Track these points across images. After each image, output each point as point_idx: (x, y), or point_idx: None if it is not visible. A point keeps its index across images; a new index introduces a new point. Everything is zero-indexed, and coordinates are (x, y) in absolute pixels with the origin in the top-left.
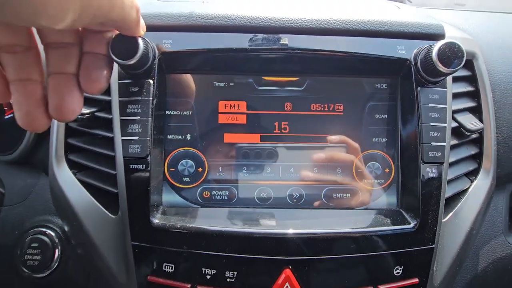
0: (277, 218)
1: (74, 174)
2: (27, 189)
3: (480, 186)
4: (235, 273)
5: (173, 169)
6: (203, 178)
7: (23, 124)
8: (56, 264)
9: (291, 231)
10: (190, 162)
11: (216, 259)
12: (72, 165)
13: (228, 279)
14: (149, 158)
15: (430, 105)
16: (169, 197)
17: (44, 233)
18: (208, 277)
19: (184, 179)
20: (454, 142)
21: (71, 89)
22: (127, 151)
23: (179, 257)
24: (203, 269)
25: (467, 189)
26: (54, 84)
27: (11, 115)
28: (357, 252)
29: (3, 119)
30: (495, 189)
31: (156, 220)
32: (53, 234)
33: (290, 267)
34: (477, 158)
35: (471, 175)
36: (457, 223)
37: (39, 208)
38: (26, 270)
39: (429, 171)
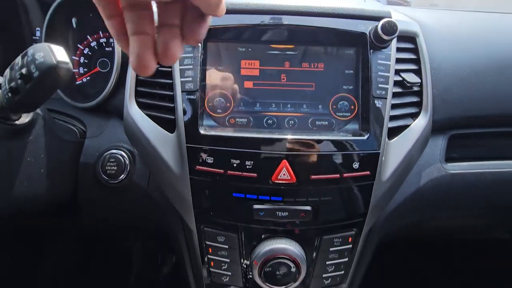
0: (279, 131)
1: (142, 110)
2: (102, 126)
3: (419, 123)
4: (252, 162)
5: (210, 104)
6: (230, 110)
7: (137, 67)
8: (127, 173)
9: (287, 136)
10: (222, 99)
11: (239, 154)
12: (140, 105)
13: (247, 167)
14: (197, 92)
15: (378, 61)
16: (208, 122)
17: (117, 154)
18: (235, 165)
19: (218, 110)
20: (399, 90)
21: (176, 38)
22: (184, 87)
23: (216, 153)
24: (231, 160)
25: (410, 125)
26: (163, 34)
27: (81, 82)
28: (331, 151)
29: (75, 85)
30: (437, 133)
31: (202, 131)
32: (124, 154)
33: (287, 159)
34: (419, 105)
35: (415, 117)
36: (400, 143)
37: (112, 139)
38: (106, 177)
39: (376, 103)
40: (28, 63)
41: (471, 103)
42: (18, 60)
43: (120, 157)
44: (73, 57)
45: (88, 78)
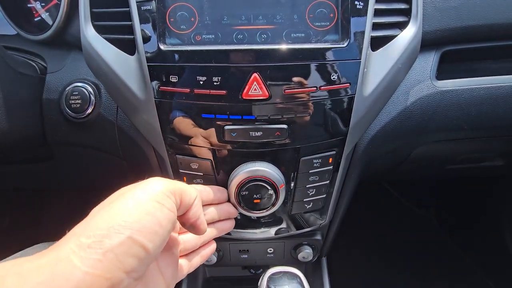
0: (248, 43)
1: (100, 34)
2: (63, 60)
3: (407, 34)
4: (219, 78)
5: (172, 19)
6: (194, 26)
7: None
8: (93, 107)
9: (256, 46)
10: (185, 13)
11: (205, 69)
12: (98, 28)
13: (215, 83)
14: (156, 5)
15: None
16: (171, 40)
17: (81, 86)
18: (201, 82)
19: (181, 26)
20: None
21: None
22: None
23: (180, 70)
24: (197, 77)
25: (396, 35)
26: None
27: (39, 17)
28: (306, 61)
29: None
30: (428, 48)
31: (162, 47)
32: (88, 87)
33: (257, 71)
34: (407, 13)
35: (402, 27)
36: (384, 55)
37: (75, 73)
38: (71, 112)
39: (358, 5)
40: None
41: (467, 10)
42: None
43: (84, 90)
44: None
45: (47, 13)
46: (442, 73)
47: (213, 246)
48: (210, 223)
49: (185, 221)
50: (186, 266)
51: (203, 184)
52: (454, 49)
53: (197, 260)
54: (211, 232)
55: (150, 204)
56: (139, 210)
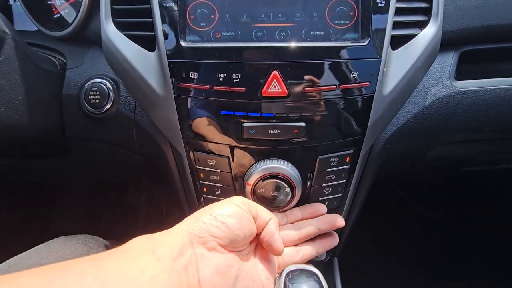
0: (269, 40)
1: (120, 31)
2: (83, 56)
3: (427, 33)
4: (239, 74)
5: (192, 16)
6: (214, 23)
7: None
8: (111, 103)
9: (277, 43)
10: (205, 10)
11: (225, 66)
12: (118, 25)
13: (234, 80)
14: (177, 3)
15: None
16: (190, 37)
17: (100, 82)
18: (221, 79)
19: (201, 23)
20: None
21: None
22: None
23: (200, 67)
24: (217, 74)
25: (416, 35)
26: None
27: (58, 14)
28: (326, 59)
29: (53, 19)
30: (447, 48)
31: (183, 43)
32: (106, 83)
33: (277, 69)
34: (427, 12)
35: (422, 26)
36: (405, 54)
37: (94, 69)
38: (90, 107)
39: (379, 3)
40: None
41: (488, 10)
42: None
43: (103, 86)
44: None
45: (66, 10)
46: (460, 74)
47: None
48: (307, 240)
49: (262, 238)
50: None
51: (219, 181)
52: (473, 49)
53: None
54: (307, 250)
55: (231, 204)
56: (230, 208)
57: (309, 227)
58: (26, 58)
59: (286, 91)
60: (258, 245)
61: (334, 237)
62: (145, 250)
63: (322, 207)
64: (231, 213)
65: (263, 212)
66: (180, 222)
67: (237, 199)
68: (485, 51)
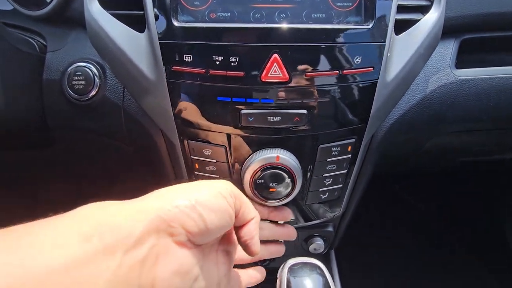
0: (268, 22)
1: (106, 9)
2: (65, 38)
3: (430, 18)
4: (237, 58)
5: None
6: (209, 2)
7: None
8: (97, 89)
9: (278, 25)
10: None
11: (222, 48)
12: (103, 3)
13: (232, 64)
14: None
15: None
16: (183, 17)
17: (84, 66)
18: (217, 63)
19: (195, 2)
20: None
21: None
22: None
23: (195, 49)
24: (213, 56)
25: (419, 20)
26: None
27: None
28: (329, 42)
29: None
30: (448, 36)
31: (176, 23)
32: (92, 67)
33: (277, 52)
34: None
35: (425, 11)
36: (408, 40)
37: (77, 52)
38: (73, 94)
39: None
40: None
41: None
42: None
43: (88, 70)
44: None
45: None
46: (459, 62)
47: (260, 275)
48: (265, 241)
49: (240, 237)
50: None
51: (216, 171)
52: (474, 37)
53: (243, 275)
54: (261, 250)
55: (216, 193)
56: (213, 200)
57: (268, 231)
58: (0, 37)
59: (287, 76)
60: (225, 235)
61: (283, 247)
62: (86, 233)
63: (294, 233)
64: (213, 207)
65: (246, 208)
66: (148, 196)
67: (224, 188)
68: (485, 40)
